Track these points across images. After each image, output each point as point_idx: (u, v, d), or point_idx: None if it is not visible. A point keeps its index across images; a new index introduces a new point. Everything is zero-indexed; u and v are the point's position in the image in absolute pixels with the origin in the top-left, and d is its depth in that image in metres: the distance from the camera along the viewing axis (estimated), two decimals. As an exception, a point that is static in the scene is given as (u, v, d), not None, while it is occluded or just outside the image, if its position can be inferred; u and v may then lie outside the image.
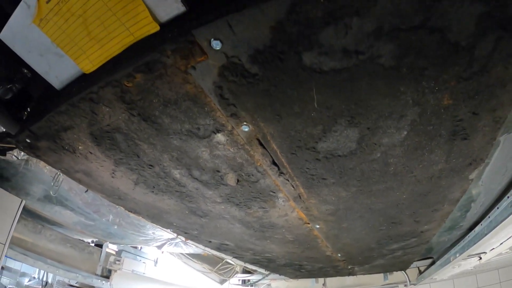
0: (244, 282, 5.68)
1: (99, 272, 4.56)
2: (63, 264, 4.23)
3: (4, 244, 3.13)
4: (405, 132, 1.31)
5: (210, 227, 2.53)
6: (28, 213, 3.47)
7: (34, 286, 7.47)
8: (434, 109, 1.20)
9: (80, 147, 1.72)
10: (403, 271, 4.35)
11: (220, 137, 1.36)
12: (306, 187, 1.71)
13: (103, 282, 4.50)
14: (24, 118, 1.98)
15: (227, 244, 2.98)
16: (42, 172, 2.95)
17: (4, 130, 2.42)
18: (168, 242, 4.19)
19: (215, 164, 1.58)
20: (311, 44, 0.93)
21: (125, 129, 1.46)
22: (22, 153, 2.76)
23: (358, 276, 4.47)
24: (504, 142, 1.72)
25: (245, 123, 1.27)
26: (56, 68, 1.38)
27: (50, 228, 4.18)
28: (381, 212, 2.03)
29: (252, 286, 5.51)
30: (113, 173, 1.91)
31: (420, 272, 4.31)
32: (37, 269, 7.62)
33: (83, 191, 3.17)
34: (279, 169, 1.55)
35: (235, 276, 5.43)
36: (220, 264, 4.95)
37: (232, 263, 4.87)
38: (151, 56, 1.06)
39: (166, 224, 2.74)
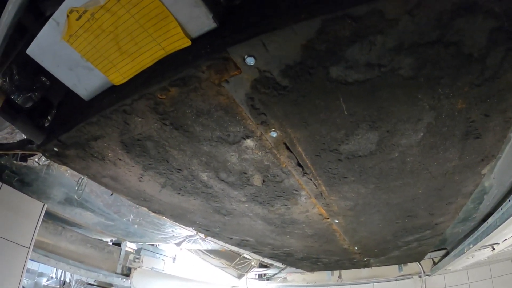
0: (260, 276, 5.75)
1: (119, 270, 4.64)
2: (84, 264, 4.30)
3: (28, 248, 3.17)
4: (422, 134, 1.39)
5: (233, 225, 2.61)
6: (48, 216, 3.52)
7: (52, 285, 7.54)
8: (449, 113, 1.28)
9: (109, 155, 1.79)
10: (417, 262, 4.40)
11: (249, 142, 1.45)
12: (327, 185, 1.79)
13: (124, 280, 4.58)
14: (45, 125, 2.02)
15: (247, 240, 3.06)
16: (63, 176, 3.00)
17: (25, 137, 2.49)
18: (187, 239, 4.29)
19: (242, 167, 1.66)
20: (338, 59, 1.02)
21: (156, 137, 1.53)
22: (44, 158, 2.79)
23: (373, 268, 4.51)
24: None
25: (273, 129, 1.35)
26: (85, 81, 1.44)
27: (70, 229, 4.25)
28: (397, 206, 2.11)
29: (268, 279, 5.58)
30: (140, 177, 1.98)
31: (434, 263, 4.37)
32: (55, 269, 7.69)
33: (104, 193, 3.23)
34: (303, 169, 1.63)
35: (252, 270, 5.50)
36: (238, 259, 5.03)
37: (249, 257, 4.95)
38: (186, 72, 1.13)
39: (189, 222, 2.82)
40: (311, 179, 1.74)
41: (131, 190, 2.25)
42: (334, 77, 1.08)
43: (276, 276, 5.55)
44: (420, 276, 4.47)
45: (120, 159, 1.81)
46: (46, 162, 2.85)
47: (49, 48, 1.34)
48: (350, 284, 5.00)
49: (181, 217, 2.69)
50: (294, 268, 5.09)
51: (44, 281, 7.71)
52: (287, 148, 1.47)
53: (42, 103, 2.07)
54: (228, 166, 1.67)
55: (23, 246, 3.14)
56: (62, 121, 1.84)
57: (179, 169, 1.79)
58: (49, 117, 2.06)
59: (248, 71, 1.09)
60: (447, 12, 0.89)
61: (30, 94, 2.25)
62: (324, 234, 2.63)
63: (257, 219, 2.40)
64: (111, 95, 1.41)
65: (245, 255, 4.84)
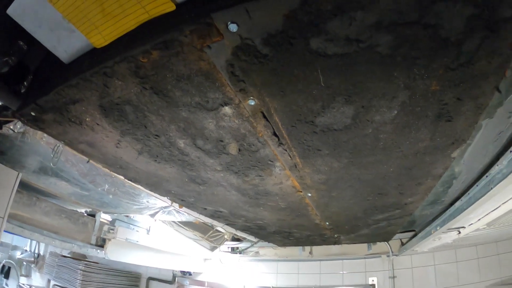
0: (232, 249, 5.82)
1: (93, 241, 4.63)
2: (59, 235, 4.28)
3: (3, 218, 3.14)
4: (396, 112, 1.45)
5: (207, 194, 2.65)
6: (22, 186, 3.49)
7: (27, 258, 7.52)
8: (423, 93, 1.33)
9: (87, 119, 1.79)
10: (386, 242, 4.56)
11: (227, 109, 1.47)
12: (302, 157, 1.84)
13: (98, 251, 4.58)
14: (22, 91, 2.01)
15: (221, 211, 3.11)
16: (38, 144, 2.97)
17: (0, 104, 2.45)
18: (161, 210, 4.28)
19: (219, 134, 1.69)
20: (318, 31, 1.05)
21: (135, 102, 1.54)
22: (19, 126, 2.75)
23: (343, 245, 4.66)
24: (486, 126, 1.84)
25: (251, 97, 1.38)
26: (66, 43, 1.43)
27: (44, 199, 4.22)
28: (369, 183, 2.18)
29: (240, 253, 5.66)
30: (118, 143, 2.00)
31: (402, 244, 4.52)
32: (29, 242, 7.69)
33: (80, 162, 3.19)
34: (279, 140, 1.67)
35: (224, 243, 5.57)
36: (211, 231, 5.09)
37: (222, 230, 5.00)
38: (170, 35, 1.14)
39: (164, 192, 2.85)
40: (286, 150, 1.77)
41: (107, 157, 2.26)
42: (314, 49, 1.12)
43: (248, 250, 5.64)
44: (388, 256, 4.63)
45: (98, 124, 1.81)
46: (22, 130, 2.80)
47: (30, 8, 1.33)
48: (320, 260, 5.13)
49: (156, 186, 2.72)
50: (266, 243, 5.20)
51: (18, 254, 7.68)
52: (264, 117, 1.50)
53: (19, 68, 2.04)
54: (205, 133, 1.69)
55: None
56: (40, 85, 1.84)
57: (156, 135, 1.81)
58: (25, 82, 2.04)
59: (230, 38, 1.11)
60: (428, -6, 0.93)
61: (6, 58, 2.15)
62: (297, 208, 2.69)
63: (232, 190, 2.44)
64: (91, 58, 1.41)
65: (218, 228, 4.90)
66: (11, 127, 2.74)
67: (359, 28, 1.04)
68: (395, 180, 2.16)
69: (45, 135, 2.76)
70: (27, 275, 7.89)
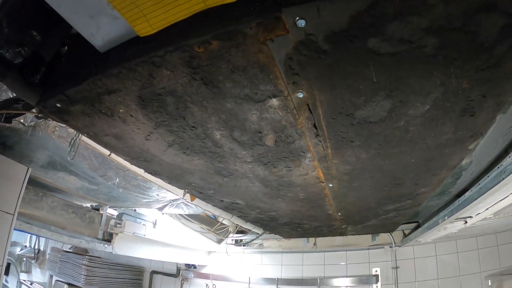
0: (237, 242, 5.89)
1: (100, 236, 4.64)
2: (66, 230, 4.28)
3: (13, 215, 3.08)
4: (428, 106, 1.55)
5: (229, 187, 2.69)
6: (29, 181, 3.35)
7: (27, 254, 7.44)
8: (454, 90, 1.44)
9: (120, 110, 1.76)
10: (389, 233, 4.68)
11: (274, 101, 1.53)
12: (334, 148, 1.92)
13: (105, 245, 4.59)
14: (36, 82, 1.93)
15: (237, 203, 3.17)
16: (49, 138, 2.89)
17: (11, 96, 2.39)
18: (170, 204, 4.30)
19: (259, 126, 1.74)
20: (377, 32, 1.14)
21: (180, 92, 1.54)
22: (29, 119, 2.68)
23: (347, 236, 4.78)
24: (498, 121, 1.94)
25: (301, 90, 1.44)
26: (105, 30, 1.40)
27: (51, 195, 4.18)
28: (389, 173, 2.28)
29: (244, 245, 5.73)
30: (148, 135, 1.98)
31: (405, 235, 4.64)
32: (28, 237, 7.60)
33: (93, 155, 3.14)
34: (317, 131, 1.75)
35: (229, 236, 5.64)
36: (218, 224, 5.15)
37: (227, 223, 5.06)
38: (234, 26, 1.16)
39: (184, 184, 2.87)
40: (320, 141, 1.85)
41: (133, 149, 2.25)
42: (370, 47, 1.20)
43: (252, 242, 5.70)
44: (391, 247, 4.75)
45: (131, 116, 1.80)
46: (32, 123, 2.73)
47: None
48: (324, 251, 5.23)
49: (178, 179, 2.73)
50: (271, 235, 5.29)
51: (18, 250, 7.59)
52: (309, 109, 1.57)
53: (33, 59, 1.99)
54: (245, 125, 1.74)
55: (7, 213, 3.04)
56: (67, 75, 1.78)
57: (193, 127, 1.82)
58: (37, 75, 1.98)
59: (295, 33, 1.17)
60: (473, 7, 1.04)
61: (19, 49, 2.14)
62: (315, 198, 2.77)
63: (255, 181, 2.49)
64: (136, 46, 1.40)
65: (224, 222, 4.96)
66: (21, 120, 2.69)
67: (413, 31, 1.13)
68: (413, 171, 2.26)
69: (57, 128, 2.73)
70: (28, 271, 7.79)
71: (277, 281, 5.37)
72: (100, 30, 1.40)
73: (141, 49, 1.37)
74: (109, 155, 2.90)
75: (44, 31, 2.10)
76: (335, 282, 4.99)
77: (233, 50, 1.25)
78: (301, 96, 1.49)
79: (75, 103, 1.76)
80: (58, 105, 1.81)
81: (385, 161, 2.10)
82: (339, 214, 3.23)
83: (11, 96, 2.39)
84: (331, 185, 2.48)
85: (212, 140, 1.95)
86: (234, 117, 1.69)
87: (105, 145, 2.31)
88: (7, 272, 7.33)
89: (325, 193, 2.63)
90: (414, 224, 4.55)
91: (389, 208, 3.11)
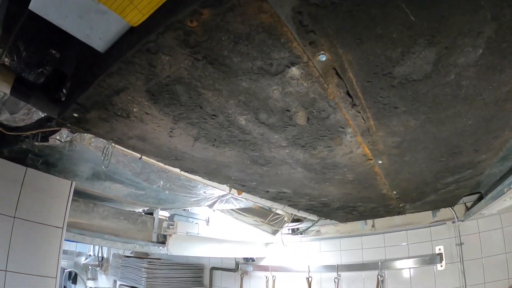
0: (293, 231, 5.74)
1: (154, 239, 4.68)
2: (120, 236, 4.36)
3: (62, 228, 3.19)
4: (481, 51, 1.23)
5: (270, 176, 2.50)
6: (78, 194, 3.52)
7: (91, 263, 7.80)
8: (510, 25, 1.12)
9: (134, 109, 1.67)
10: (450, 208, 4.29)
11: (294, 71, 1.29)
12: (376, 118, 1.65)
13: (160, 247, 4.61)
14: (62, 99, 1.95)
15: (284, 192, 2.97)
16: (87, 150, 2.90)
17: (43, 116, 2.42)
18: (219, 200, 4.22)
19: (285, 103, 1.51)
20: None
21: (187, 78, 1.38)
22: (65, 135, 2.70)
23: (406, 215, 4.44)
24: None
25: (322, 52, 1.19)
26: (99, 28, 1.30)
27: (101, 204, 4.27)
28: (445, 141, 1.97)
29: (301, 234, 5.57)
30: (171, 131, 1.87)
31: (467, 208, 4.23)
32: (91, 247, 7.98)
33: (131, 161, 3.14)
34: (352, 100, 1.48)
35: (285, 226, 5.48)
36: (271, 215, 5.00)
37: (281, 213, 4.91)
38: None
39: (224, 179, 2.73)
40: (359, 112, 1.58)
41: (161, 149, 2.15)
42: None
43: (309, 229, 5.51)
44: (453, 222, 4.35)
45: (147, 113, 1.69)
46: (68, 138, 2.74)
47: None
48: (384, 233, 4.92)
49: (215, 174, 2.60)
50: (327, 221, 5.05)
51: (83, 259, 7.97)
52: (337, 74, 1.31)
53: (55, 76, 2.00)
54: (269, 104, 1.52)
55: (56, 227, 3.16)
56: (78, 84, 1.75)
57: (213, 115, 1.66)
58: (64, 90, 2.02)
59: None
60: None
61: (41, 69, 2.18)
62: (365, 178, 2.51)
63: (297, 167, 2.28)
64: (130, 38, 1.27)
65: (278, 211, 4.82)
66: (58, 137, 2.71)
67: None
68: (472, 136, 1.94)
69: (93, 140, 2.74)
70: (94, 278, 8.21)
71: (337, 268, 5.15)
72: (94, 29, 1.31)
73: (134, 39, 1.23)
74: (140, 158, 2.82)
75: (62, 48, 2.14)
76: (397, 264, 4.68)
77: (229, 16, 1.04)
78: (324, 59, 1.23)
79: (90, 110, 1.71)
80: (75, 114, 1.78)
81: (438, 127, 1.79)
82: (394, 192, 2.96)
83: (43, 116, 2.45)
84: (380, 162, 2.20)
85: (238, 127, 1.77)
86: (254, 97, 1.48)
87: (133, 149, 2.26)
88: (75, 281, 7.71)
89: (376, 171, 2.36)
90: (476, 196, 4.15)
91: (448, 181, 2.79)
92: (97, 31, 1.31)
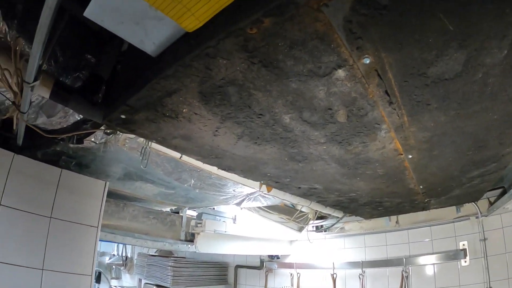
0: (317, 228, 5.81)
1: (183, 237, 4.80)
2: (150, 235, 4.48)
3: (97, 227, 3.33)
4: (505, 51, 1.35)
5: (305, 172, 2.59)
6: (108, 194, 3.65)
7: (116, 262, 7.94)
8: None
9: (184, 110, 1.73)
10: (474, 203, 4.33)
11: (340, 73, 1.40)
12: (410, 114, 1.76)
13: (189, 245, 4.74)
14: (99, 101, 2.02)
15: (315, 188, 3.06)
16: (121, 151, 3.01)
17: (79, 118, 2.51)
18: (247, 198, 4.32)
19: (329, 102, 1.62)
20: None
21: (241, 80, 1.46)
22: (100, 137, 2.80)
23: (430, 210, 4.47)
24: None
25: (366, 55, 1.31)
26: (154, 34, 1.36)
27: (131, 204, 4.40)
28: (471, 135, 2.08)
29: (325, 231, 5.64)
30: (216, 130, 1.94)
31: (491, 203, 4.28)
32: (115, 246, 8.13)
33: (165, 161, 3.24)
34: (389, 98, 1.60)
35: (310, 223, 5.57)
36: (297, 212, 5.07)
37: (305, 210, 5.00)
38: None
39: (259, 176, 2.81)
40: (395, 109, 1.70)
41: (203, 148, 2.22)
42: None
43: (333, 226, 5.58)
44: (477, 217, 4.40)
45: (196, 113, 1.77)
46: (103, 140, 2.84)
47: (110, 5, 1.26)
48: (408, 229, 4.98)
49: (252, 171, 2.68)
50: (351, 218, 5.16)
51: (107, 259, 8.12)
52: (378, 75, 1.44)
53: (92, 80, 2.07)
54: (313, 103, 1.63)
55: (92, 226, 3.29)
56: (126, 86, 1.81)
57: (260, 114, 1.75)
58: (99, 94, 2.07)
59: None
60: None
61: (77, 73, 2.23)
62: (394, 173, 2.61)
63: (331, 162, 2.37)
64: (187, 43, 1.34)
65: (303, 209, 4.90)
66: (92, 139, 2.80)
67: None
68: (497, 129, 2.04)
69: (127, 141, 2.82)
70: (118, 278, 8.37)
71: (362, 264, 5.20)
72: (149, 35, 1.37)
73: (192, 43, 1.32)
74: (180, 158, 2.91)
75: (97, 52, 2.22)
76: (421, 260, 4.73)
77: (287, 24, 1.15)
78: (367, 61, 1.35)
79: (139, 111, 1.77)
80: (122, 116, 1.84)
81: (466, 122, 1.91)
82: (421, 187, 3.04)
83: (79, 118, 2.52)
84: (410, 156, 2.31)
85: (282, 125, 1.86)
86: (301, 97, 1.59)
87: (175, 148, 2.32)
88: (98, 281, 7.94)
89: (405, 165, 2.46)
90: (499, 190, 4.19)
91: (474, 175, 2.88)
92: (151, 37, 1.38)
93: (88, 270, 3.25)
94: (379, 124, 1.86)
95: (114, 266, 8.56)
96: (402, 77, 1.48)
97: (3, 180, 2.87)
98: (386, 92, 1.56)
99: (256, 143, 2.10)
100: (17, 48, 1.80)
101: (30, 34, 1.91)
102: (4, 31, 1.91)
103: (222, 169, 2.76)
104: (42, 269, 2.94)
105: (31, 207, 2.98)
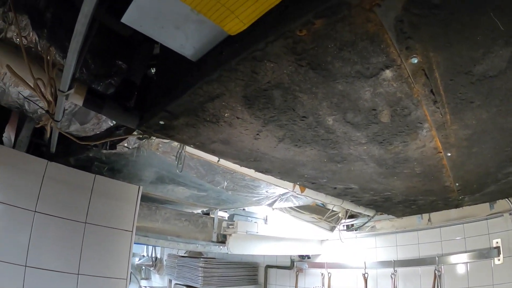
0: (347, 227, 5.76)
1: (214, 239, 4.85)
2: (182, 237, 4.54)
3: (132, 231, 3.37)
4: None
5: (342, 172, 2.58)
6: (141, 198, 3.66)
7: (145, 263, 8.06)
8: None
9: (226, 115, 1.73)
10: (507, 199, 4.22)
11: (387, 73, 1.39)
12: (453, 113, 1.74)
13: (220, 247, 4.78)
14: (132, 106, 2.04)
15: (351, 188, 3.05)
16: (154, 155, 3.04)
17: (111, 124, 2.55)
18: (279, 198, 4.32)
19: (373, 103, 1.60)
20: None
21: (287, 83, 1.44)
22: (133, 142, 2.84)
23: (463, 208, 4.35)
24: None
25: (415, 55, 1.30)
26: (194, 38, 1.36)
27: (163, 207, 4.47)
28: (510, 131, 2.04)
29: (356, 230, 5.60)
30: (257, 134, 1.93)
31: (525, 199, 4.14)
32: (145, 248, 8.24)
33: (198, 164, 3.27)
34: (434, 97, 1.59)
35: (341, 222, 5.55)
36: (329, 212, 5.06)
37: (336, 209, 4.99)
38: None
39: (296, 177, 2.81)
40: (438, 108, 1.68)
41: (242, 151, 2.22)
42: None
43: (364, 225, 5.53)
44: (510, 214, 4.29)
45: (238, 118, 1.76)
46: (136, 145, 2.88)
47: (149, 10, 1.26)
48: (440, 227, 4.90)
49: (289, 173, 2.67)
50: (382, 216, 5.12)
51: (136, 260, 8.24)
52: (425, 74, 1.43)
53: (124, 86, 2.08)
54: (358, 105, 1.62)
55: (126, 230, 3.34)
56: (164, 92, 1.81)
57: (304, 117, 1.73)
58: (132, 99, 2.09)
59: None
60: None
61: (109, 80, 2.26)
62: (431, 171, 2.58)
63: (370, 162, 2.36)
64: (231, 46, 1.34)
65: (335, 208, 4.90)
66: (125, 144, 2.83)
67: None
68: (534, 124, 2.03)
69: (161, 145, 2.85)
70: (147, 278, 8.51)
71: (394, 264, 5.14)
72: (189, 39, 1.38)
73: (237, 47, 1.31)
74: (218, 161, 2.93)
75: (128, 58, 2.26)
76: (454, 259, 4.64)
77: (338, 26, 1.13)
78: (415, 61, 1.35)
79: (178, 117, 1.77)
80: (161, 122, 1.86)
81: (507, 118, 1.87)
82: (457, 184, 3.00)
83: (111, 124, 2.55)
84: (449, 154, 2.28)
85: (324, 127, 1.85)
86: (346, 98, 1.57)
87: (213, 152, 2.32)
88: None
89: (443, 163, 2.43)
90: (532, 185, 4.11)
91: (509, 171, 2.83)
92: (192, 41, 1.39)
93: (123, 274, 3.31)
94: (421, 123, 1.84)
95: (143, 267, 8.73)
96: (449, 76, 1.46)
97: (37, 187, 2.93)
98: (431, 91, 1.55)
99: (296, 145, 2.08)
100: (49, 58, 1.82)
101: (61, 42, 1.98)
102: (34, 41, 1.94)
103: (259, 172, 2.76)
104: (78, 274, 3.01)
105: (65, 213, 3.05)
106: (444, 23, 1.18)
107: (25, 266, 2.79)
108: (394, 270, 5.13)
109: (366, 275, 5.43)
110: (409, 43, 1.26)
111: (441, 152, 2.24)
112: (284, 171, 2.64)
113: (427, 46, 1.28)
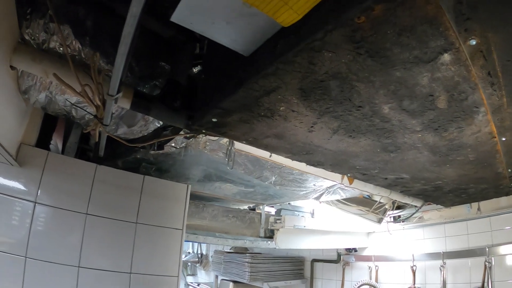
0: (394, 218, 5.72)
1: (262, 234, 4.93)
2: (230, 234, 4.66)
3: (182, 229, 3.47)
4: None
5: (395, 162, 2.54)
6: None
7: (191, 259, 8.21)
8: None
9: (281, 108, 1.71)
10: None
11: (445, 57, 1.36)
12: (509, 95, 1.69)
13: (268, 242, 4.86)
14: (179, 106, 2.04)
15: (402, 178, 3.00)
16: (201, 154, 3.08)
17: (158, 126, 2.59)
18: (326, 191, 4.33)
19: (431, 88, 1.56)
20: None
21: (344, 73, 1.42)
22: (180, 141, 2.87)
23: None
24: None
25: (473, 37, 1.27)
26: (246, 32, 1.35)
27: (210, 204, 4.57)
28: None
29: (403, 221, 5.55)
30: (311, 127, 1.91)
31: None
32: (191, 245, 8.36)
33: (245, 160, 3.29)
34: (491, 79, 1.55)
35: (388, 214, 5.52)
36: (376, 203, 5.06)
37: (383, 201, 4.98)
38: None
39: (347, 169, 2.78)
40: (495, 91, 1.64)
41: (295, 145, 2.20)
42: None
43: (412, 216, 5.45)
44: None
45: (293, 111, 1.74)
46: (183, 145, 2.91)
47: (199, 6, 1.24)
48: (489, 216, 4.74)
49: (341, 165, 2.65)
50: (430, 206, 4.98)
51: (183, 257, 8.45)
52: (483, 56, 1.40)
53: (170, 87, 2.09)
54: (415, 91, 1.58)
55: (176, 229, 3.44)
56: (214, 89, 1.81)
57: (359, 107, 1.71)
58: (178, 100, 2.09)
59: None
60: None
61: (154, 81, 2.29)
62: (485, 157, 2.52)
63: (424, 150, 2.32)
64: (285, 38, 1.32)
65: (382, 200, 4.87)
66: (173, 144, 2.87)
67: None
68: None
69: (208, 143, 2.88)
70: (193, 274, 8.66)
71: (442, 255, 5.05)
72: (242, 34, 1.36)
73: (293, 38, 1.29)
74: (270, 156, 2.95)
75: (171, 59, 2.27)
76: (504, 249, 4.47)
77: (399, 10, 1.09)
78: (474, 43, 1.31)
79: (232, 113, 1.78)
80: (214, 120, 1.86)
81: None
82: (509, 170, 2.94)
83: (158, 125, 2.60)
84: (504, 139, 2.22)
85: (380, 116, 1.82)
86: (404, 85, 1.54)
87: (265, 147, 2.31)
88: None
89: (497, 149, 2.37)
90: None
91: None
92: (244, 35, 1.38)
93: (175, 272, 3.41)
94: (477, 107, 1.79)
95: (189, 263, 8.90)
96: (506, 56, 1.42)
97: (88, 190, 3.07)
98: (489, 73, 1.52)
99: (351, 136, 2.06)
100: (95, 64, 1.85)
101: (104, 48, 2.03)
102: (77, 49, 2.01)
103: (311, 165, 2.75)
104: (130, 273, 3.13)
105: (116, 214, 3.18)
106: (501, 1, 1.15)
107: (78, 266, 2.92)
108: (443, 262, 5.03)
109: (414, 267, 5.35)
110: (468, 24, 1.23)
111: (495, 137, 2.19)
112: (336, 163, 2.63)
113: (485, 26, 1.26)
